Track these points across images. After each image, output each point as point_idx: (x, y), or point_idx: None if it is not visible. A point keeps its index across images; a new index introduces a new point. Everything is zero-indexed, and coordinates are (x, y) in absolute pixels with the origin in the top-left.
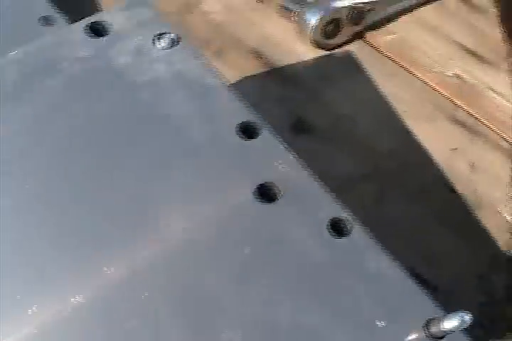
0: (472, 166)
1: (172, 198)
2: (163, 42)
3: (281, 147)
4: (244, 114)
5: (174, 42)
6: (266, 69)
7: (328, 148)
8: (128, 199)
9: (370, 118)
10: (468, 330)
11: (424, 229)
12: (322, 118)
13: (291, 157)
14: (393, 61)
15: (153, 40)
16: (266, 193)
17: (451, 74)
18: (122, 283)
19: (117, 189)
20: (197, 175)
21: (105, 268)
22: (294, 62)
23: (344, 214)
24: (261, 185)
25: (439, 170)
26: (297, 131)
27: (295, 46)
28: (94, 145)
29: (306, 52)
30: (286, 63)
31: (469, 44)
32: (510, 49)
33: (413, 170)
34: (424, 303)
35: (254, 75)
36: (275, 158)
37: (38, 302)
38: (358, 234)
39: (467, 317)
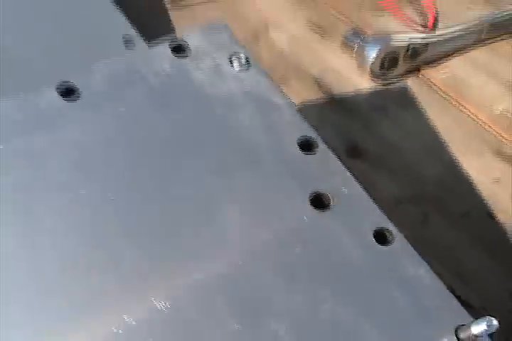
0: None
1: (236, 204)
2: (237, 63)
3: (337, 161)
4: (305, 130)
5: (247, 64)
6: (325, 98)
7: (378, 172)
8: (193, 206)
9: (419, 148)
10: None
11: (461, 250)
12: (374, 145)
13: (345, 170)
14: (445, 96)
15: (230, 60)
16: (320, 201)
17: (499, 111)
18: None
19: (185, 195)
20: (259, 181)
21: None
22: (352, 93)
23: (389, 225)
24: (317, 193)
25: (481, 198)
26: (351, 155)
27: (354, 78)
28: (166, 152)
29: (364, 84)
30: (344, 93)
31: None
32: None
33: (456, 197)
34: (455, 310)
35: (314, 103)
36: (331, 170)
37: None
38: (401, 243)
39: (495, 322)
